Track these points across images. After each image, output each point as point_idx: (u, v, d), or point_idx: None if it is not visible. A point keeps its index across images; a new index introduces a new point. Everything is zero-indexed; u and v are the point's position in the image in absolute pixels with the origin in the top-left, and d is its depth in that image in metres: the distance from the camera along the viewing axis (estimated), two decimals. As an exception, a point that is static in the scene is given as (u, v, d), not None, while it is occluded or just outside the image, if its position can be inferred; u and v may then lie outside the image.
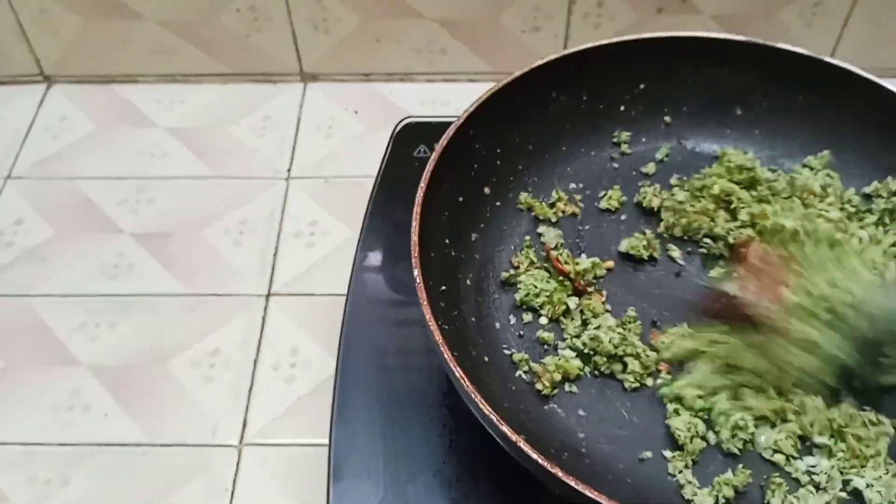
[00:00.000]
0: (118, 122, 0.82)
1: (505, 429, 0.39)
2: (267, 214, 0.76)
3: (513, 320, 0.53)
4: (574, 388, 0.49)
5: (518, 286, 0.53)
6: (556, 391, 0.49)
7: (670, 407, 0.48)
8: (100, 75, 0.85)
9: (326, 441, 0.55)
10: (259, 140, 0.81)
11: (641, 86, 0.59)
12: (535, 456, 0.39)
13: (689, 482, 0.45)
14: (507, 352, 0.50)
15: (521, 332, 0.52)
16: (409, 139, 0.68)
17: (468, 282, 0.52)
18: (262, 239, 0.74)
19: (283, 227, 0.75)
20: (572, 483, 0.38)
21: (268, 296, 0.71)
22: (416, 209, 0.47)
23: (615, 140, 0.60)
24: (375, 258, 0.63)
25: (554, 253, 0.53)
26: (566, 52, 0.56)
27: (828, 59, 0.57)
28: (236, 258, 0.73)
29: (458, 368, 0.41)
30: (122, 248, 0.73)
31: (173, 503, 0.60)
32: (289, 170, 0.79)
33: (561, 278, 0.53)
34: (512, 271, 0.54)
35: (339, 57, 0.84)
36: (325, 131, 0.82)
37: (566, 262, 0.52)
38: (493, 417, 0.40)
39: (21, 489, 0.60)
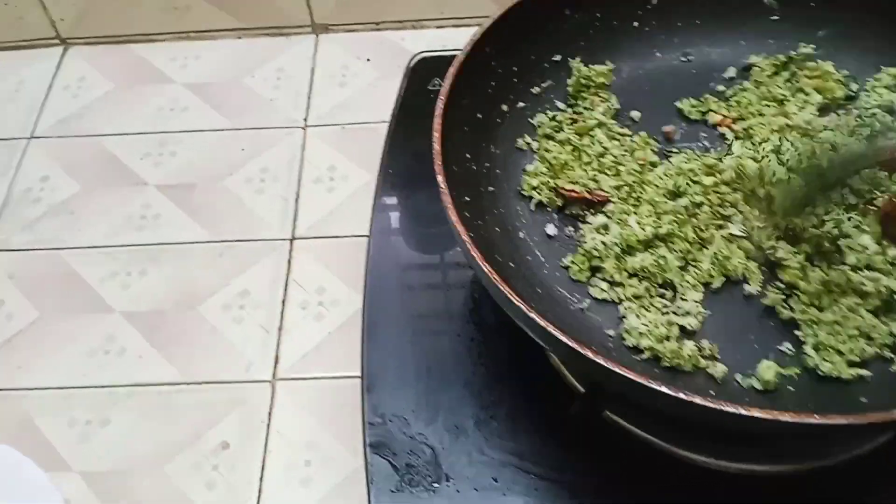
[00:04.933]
0: (136, 80, 0.83)
1: (534, 316, 0.40)
2: (286, 162, 0.77)
3: (535, 229, 0.53)
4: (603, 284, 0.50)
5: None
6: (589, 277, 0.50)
7: None
8: (115, 35, 0.86)
9: (357, 373, 0.56)
10: (275, 91, 0.82)
11: (654, 0, 0.59)
12: (564, 339, 0.39)
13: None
14: (529, 258, 0.51)
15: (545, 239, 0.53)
16: (424, 73, 0.69)
17: (491, 193, 0.53)
18: (282, 186, 0.75)
19: (302, 173, 0.76)
20: (601, 360, 0.38)
21: (292, 240, 0.72)
22: (437, 121, 0.48)
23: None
24: (396, 188, 0.63)
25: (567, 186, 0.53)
26: (577, -33, 0.56)
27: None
28: (259, 205, 0.74)
29: (487, 264, 0.42)
30: (148, 200, 0.74)
31: (211, 437, 0.61)
32: (305, 119, 0.80)
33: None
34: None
35: (349, 7, 0.84)
36: (338, 80, 0.83)
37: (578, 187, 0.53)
38: (523, 307, 0.40)
39: (63, 430, 0.62)
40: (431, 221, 0.61)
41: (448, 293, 0.57)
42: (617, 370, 0.38)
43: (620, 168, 0.54)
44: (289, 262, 0.70)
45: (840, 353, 0.46)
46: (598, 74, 0.58)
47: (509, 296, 0.41)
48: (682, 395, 0.38)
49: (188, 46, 0.86)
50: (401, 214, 0.63)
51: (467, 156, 0.52)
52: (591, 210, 0.53)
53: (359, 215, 0.71)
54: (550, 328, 0.40)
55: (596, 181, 0.53)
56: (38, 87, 0.83)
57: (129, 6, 0.83)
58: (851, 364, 0.46)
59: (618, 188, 0.54)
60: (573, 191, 0.52)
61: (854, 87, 0.58)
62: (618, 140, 0.56)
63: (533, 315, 0.40)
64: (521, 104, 0.57)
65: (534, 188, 0.54)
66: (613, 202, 0.53)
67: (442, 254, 0.61)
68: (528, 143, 0.56)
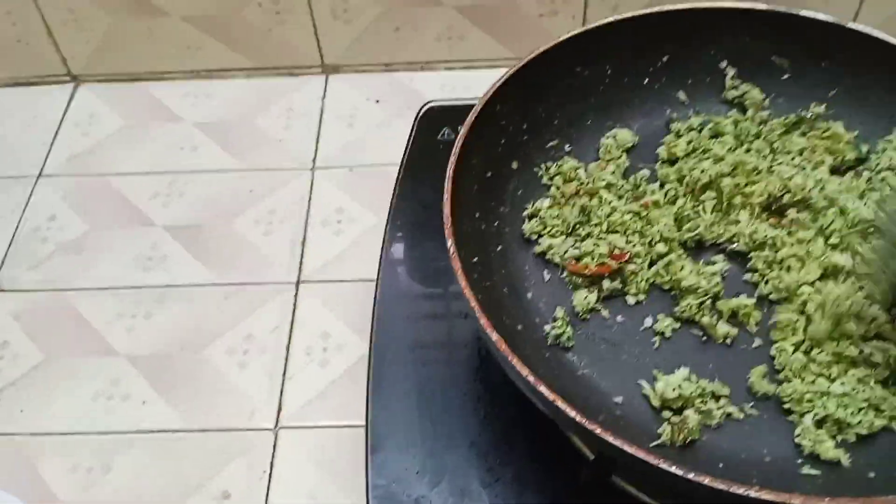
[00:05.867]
0: (146, 118, 0.84)
1: (542, 389, 0.40)
2: (294, 204, 0.77)
3: (544, 289, 0.53)
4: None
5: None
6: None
7: None
8: (126, 73, 0.86)
9: (361, 422, 0.56)
10: (284, 132, 0.82)
11: (665, 58, 0.59)
12: (572, 413, 0.39)
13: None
14: (538, 320, 0.51)
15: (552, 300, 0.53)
16: (433, 122, 0.69)
17: (499, 252, 0.53)
18: (290, 228, 0.75)
19: (310, 215, 0.76)
20: (609, 438, 0.38)
21: (298, 283, 0.71)
22: (448, 183, 0.48)
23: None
24: (405, 238, 0.63)
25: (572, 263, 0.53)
26: (589, 26, 0.56)
27: (850, 25, 0.57)
28: (266, 247, 0.74)
29: (494, 332, 0.42)
30: (156, 241, 0.74)
31: (213, 486, 0.61)
32: (314, 160, 0.80)
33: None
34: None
35: (359, 48, 0.85)
36: (347, 121, 0.83)
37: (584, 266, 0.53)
38: (530, 378, 0.40)
39: (64, 477, 0.61)
40: (439, 274, 0.61)
41: (455, 348, 0.57)
42: (625, 448, 0.38)
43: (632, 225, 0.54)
44: (294, 305, 0.70)
45: (849, 425, 0.46)
46: (623, 142, 0.59)
47: (518, 367, 0.41)
48: (690, 476, 0.38)
49: (199, 85, 0.86)
50: (408, 267, 0.63)
51: (476, 215, 0.52)
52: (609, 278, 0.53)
53: (365, 258, 0.71)
54: (559, 402, 0.39)
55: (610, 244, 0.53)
56: (48, 125, 0.84)
57: (141, 44, 0.84)
58: (858, 437, 0.46)
59: (633, 245, 0.53)
60: (586, 267, 0.52)
61: (864, 147, 0.58)
62: (626, 199, 0.56)
63: (542, 388, 0.40)
64: (529, 160, 0.57)
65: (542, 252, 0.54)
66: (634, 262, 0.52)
67: (448, 305, 0.61)
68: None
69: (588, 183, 0.55)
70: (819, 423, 0.46)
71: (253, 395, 0.65)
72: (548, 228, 0.54)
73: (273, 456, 0.62)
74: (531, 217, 0.55)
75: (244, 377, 0.66)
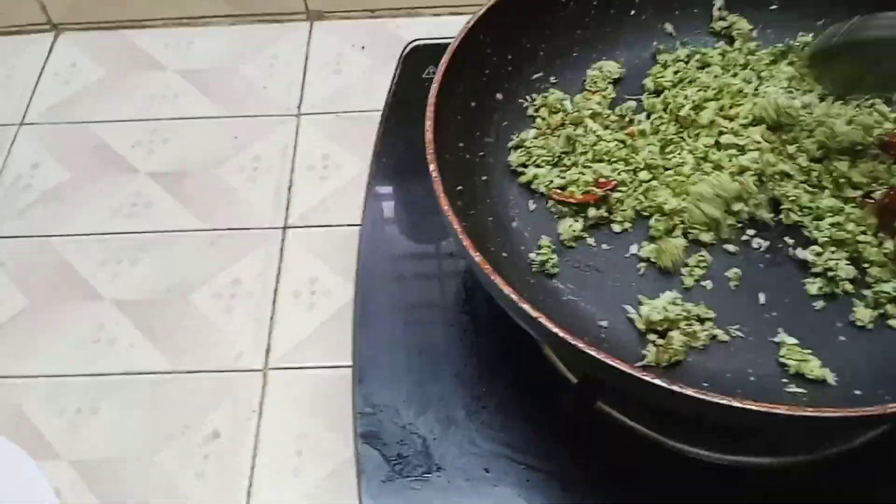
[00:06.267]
0: (128, 67, 0.83)
1: (525, 307, 0.39)
2: (279, 151, 0.76)
3: (529, 219, 0.53)
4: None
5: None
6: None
7: None
8: (107, 21, 0.85)
9: (349, 363, 0.56)
10: (268, 79, 0.81)
11: (651, -12, 0.59)
12: (555, 330, 0.39)
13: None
14: (522, 248, 0.50)
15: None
16: (418, 61, 0.68)
17: (484, 182, 0.52)
18: (275, 175, 0.74)
19: (295, 162, 0.75)
20: (594, 353, 0.38)
21: (284, 228, 0.71)
22: (430, 108, 0.47)
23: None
24: (389, 176, 0.63)
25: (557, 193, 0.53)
26: (573, -46, 0.56)
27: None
28: (251, 194, 0.73)
29: (478, 254, 0.42)
30: (139, 188, 0.74)
31: (202, 427, 0.61)
32: (299, 107, 0.79)
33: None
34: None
35: (344, -6, 0.84)
36: (332, 68, 0.82)
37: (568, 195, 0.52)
38: (513, 297, 0.40)
39: (53, 420, 0.61)
40: (424, 211, 0.61)
41: (440, 283, 0.57)
42: (609, 362, 0.38)
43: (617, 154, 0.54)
44: (281, 251, 0.70)
45: None
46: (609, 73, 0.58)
47: (501, 287, 0.40)
48: (675, 388, 0.38)
49: (181, 33, 0.85)
50: (393, 204, 0.63)
51: (460, 145, 0.52)
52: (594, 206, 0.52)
53: (352, 204, 0.71)
54: (543, 319, 0.39)
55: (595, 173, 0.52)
56: (28, 74, 0.82)
57: (121, -8, 0.82)
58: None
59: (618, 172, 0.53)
60: (572, 195, 0.52)
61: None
62: (611, 129, 0.55)
63: (525, 306, 0.40)
64: (514, 91, 0.57)
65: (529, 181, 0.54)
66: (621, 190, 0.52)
67: (434, 244, 0.61)
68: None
69: (574, 113, 0.55)
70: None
71: (240, 338, 0.65)
72: (533, 158, 0.54)
73: (262, 396, 0.62)
74: (516, 148, 0.55)
75: (231, 321, 0.66)
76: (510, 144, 0.55)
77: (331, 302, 0.66)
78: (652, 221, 0.51)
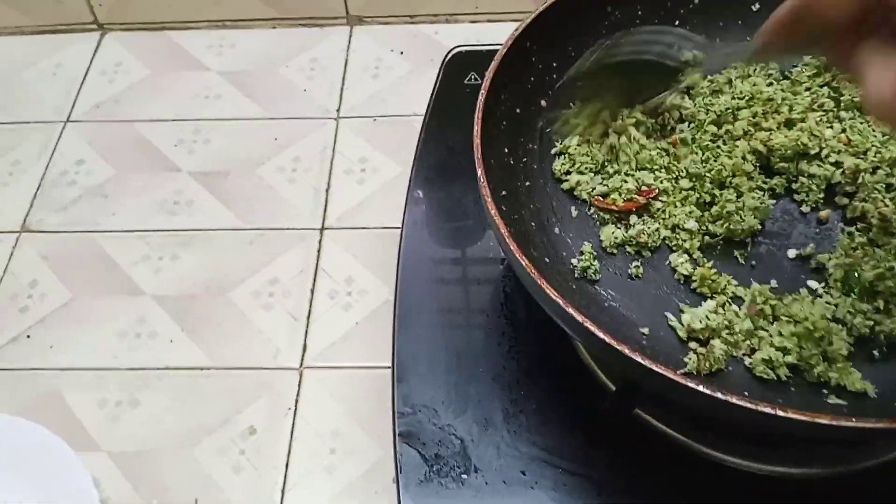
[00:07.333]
0: (172, 67, 0.84)
1: (571, 310, 0.40)
2: (318, 152, 0.77)
3: (571, 225, 0.53)
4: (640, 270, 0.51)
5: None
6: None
7: None
8: (152, 22, 0.87)
9: (385, 363, 0.56)
10: (308, 82, 0.83)
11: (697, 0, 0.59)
12: (601, 335, 0.39)
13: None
14: (564, 254, 0.51)
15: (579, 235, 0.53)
16: (460, 67, 0.69)
17: (527, 188, 0.53)
18: (314, 176, 0.76)
19: (334, 164, 0.76)
20: (638, 358, 0.38)
21: (322, 229, 0.72)
22: (479, 113, 0.48)
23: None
24: (430, 181, 0.63)
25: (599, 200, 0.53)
26: (620, -35, 0.56)
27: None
28: (290, 194, 0.74)
29: (524, 258, 0.42)
30: (181, 186, 0.75)
31: (239, 422, 0.62)
32: (338, 110, 0.80)
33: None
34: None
35: (384, -1, 0.85)
36: (371, 72, 0.83)
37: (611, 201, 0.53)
38: (559, 301, 0.40)
39: (93, 410, 0.63)
40: (463, 215, 0.61)
41: (479, 287, 0.57)
42: (655, 368, 0.38)
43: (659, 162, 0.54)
44: (318, 251, 0.71)
45: None
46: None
47: (546, 290, 0.41)
48: (718, 395, 0.38)
49: (224, 35, 0.87)
50: (433, 207, 0.63)
51: (505, 150, 0.52)
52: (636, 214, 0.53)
53: (388, 207, 0.72)
54: (588, 323, 0.40)
55: (638, 181, 0.53)
56: (75, 71, 0.84)
57: (167, -7, 0.84)
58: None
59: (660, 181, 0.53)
60: (614, 203, 0.52)
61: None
62: (654, 137, 0.56)
63: (570, 310, 0.40)
64: (558, 99, 0.57)
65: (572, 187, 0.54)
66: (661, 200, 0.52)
67: (473, 248, 0.61)
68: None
69: (618, 122, 0.55)
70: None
71: (277, 336, 0.66)
72: (576, 165, 0.54)
73: (298, 394, 0.63)
74: (560, 154, 0.55)
75: (269, 319, 0.67)
76: (554, 151, 0.55)
77: (366, 302, 0.67)
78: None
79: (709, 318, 0.47)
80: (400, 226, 0.63)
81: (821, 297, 0.48)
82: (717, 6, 0.59)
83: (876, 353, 0.47)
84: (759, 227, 0.52)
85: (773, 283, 0.50)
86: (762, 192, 0.52)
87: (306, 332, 0.66)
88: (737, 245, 0.52)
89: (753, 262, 0.51)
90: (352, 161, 0.76)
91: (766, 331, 0.47)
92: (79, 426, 0.62)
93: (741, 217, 0.51)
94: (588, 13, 0.56)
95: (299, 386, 0.63)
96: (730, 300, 0.48)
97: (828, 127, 0.54)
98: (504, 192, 0.50)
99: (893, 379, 0.46)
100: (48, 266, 0.70)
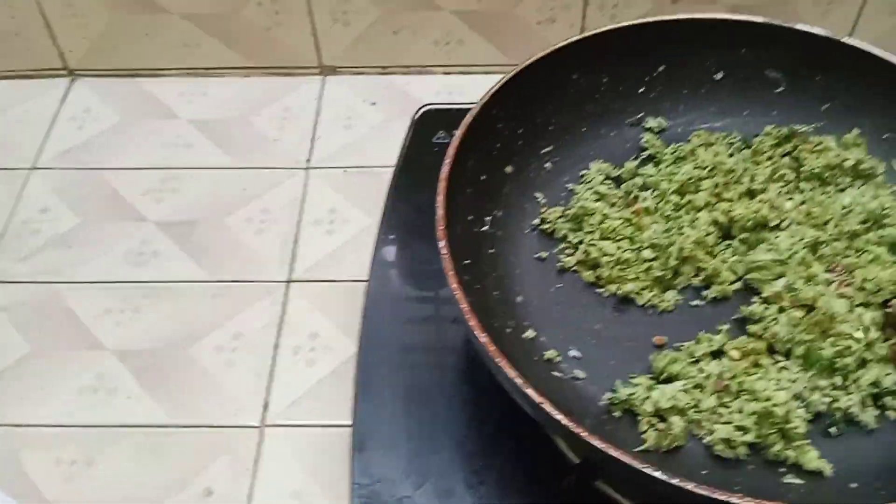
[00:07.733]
0: (142, 114, 0.84)
1: (530, 391, 0.40)
2: (287, 203, 0.77)
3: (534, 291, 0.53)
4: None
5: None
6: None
7: None
8: (123, 69, 0.86)
9: (347, 422, 0.56)
10: (279, 131, 0.82)
11: (661, 68, 0.60)
12: (558, 417, 0.39)
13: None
14: (526, 323, 0.51)
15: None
16: (429, 125, 0.69)
17: (491, 255, 0.53)
18: (282, 227, 0.75)
19: (303, 215, 0.76)
20: (595, 442, 0.38)
21: (288, 282, 0.71)
22: (442, 184, 0.48)
23: (634, 121, 0.61)
24: (397, 240, 0.63)
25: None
26: (586, 34, 0.57)
27: (845, 40, 0.58)
28: (258, 245, 0.74)
29: (483, 334, 0.42)
30: (147, 237, 0.74)
31: (197, 483, 0.60)
32: (308, 160, 0.80)
33: None
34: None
35: (357, 50, 0.85)
36: (343, 122, 0.83)
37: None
38: (518, 381, 0.40)
39: (47, 470, 0.61)
40: (430, 275, 0.61)
41: (443, 351, 0.57)
42: (610, 452, 0.38)
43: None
44: (283, 304, 0.70)
45: None
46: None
47: (505, 370, 0.41)
48: (674, 482, 0.38)
49: (196, 83, 0.86)
50: (399, 266, 0.63)
51: (469, 217, 0.53)
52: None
53: (357, 260, 0.71)
54: (546, 405, 0.39)
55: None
56: (42, 118, 0.83)
57: (139, 40, 0.84)
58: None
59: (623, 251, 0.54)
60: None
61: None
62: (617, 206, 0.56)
63: (529, 391, 0.40)
64: (524, 165, 0.58)
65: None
66: None
67: (439, 308, 0.61)
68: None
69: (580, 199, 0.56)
70: None
71: (239, 393, 0.65)
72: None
73: (258, 454, 0.62)
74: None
75: (231, 375, 0.66)
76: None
77: (330, 358, 0.66)
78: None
79: (676, 398, 0.46)
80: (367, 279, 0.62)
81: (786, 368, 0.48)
82: (680, 74, 0.60)
83: (833, 430, 0.47)
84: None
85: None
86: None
87: (268, 388, 0.65)
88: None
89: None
90: (321, 212, 0.76)
91: (728, 407, 0.47)
92: (32, 486, 0.60)
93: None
94: (554, 80, 0.57)
95: (259, 445, 0.62)
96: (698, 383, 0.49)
97: (788, 199, 0.54)
98: (468, 262, 0.50)
99: (850, 457, 0.46)
100: (7, 317, 0.69)
